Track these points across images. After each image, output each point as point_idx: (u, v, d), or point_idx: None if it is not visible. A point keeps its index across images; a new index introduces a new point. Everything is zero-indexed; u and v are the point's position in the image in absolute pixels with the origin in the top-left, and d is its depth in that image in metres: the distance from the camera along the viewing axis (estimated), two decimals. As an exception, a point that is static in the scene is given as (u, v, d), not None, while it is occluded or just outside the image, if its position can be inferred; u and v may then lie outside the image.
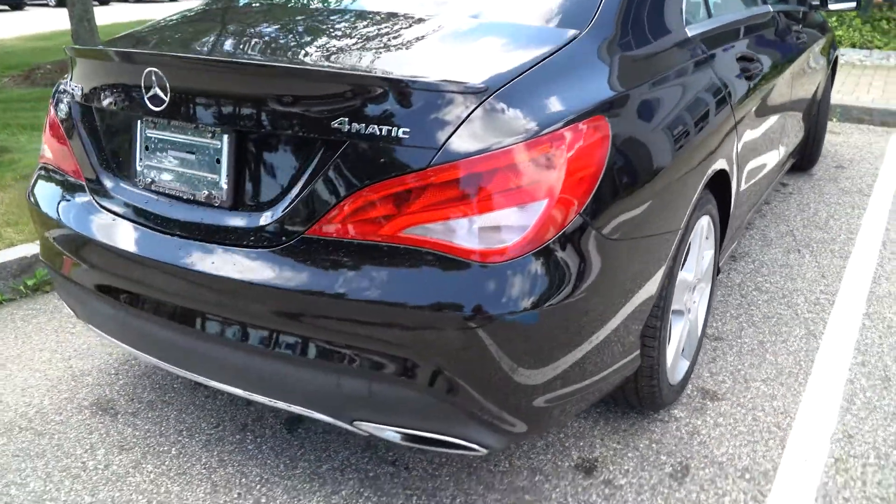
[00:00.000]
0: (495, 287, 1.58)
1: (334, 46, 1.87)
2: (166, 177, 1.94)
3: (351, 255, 1.66)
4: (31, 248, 3.44)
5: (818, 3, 4.26)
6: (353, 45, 1.88)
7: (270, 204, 1.76)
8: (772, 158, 3.39)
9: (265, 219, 1.75)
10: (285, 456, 2.28)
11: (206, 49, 2.02)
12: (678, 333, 2.41)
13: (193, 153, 1.87)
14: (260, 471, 2.22)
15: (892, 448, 2.33)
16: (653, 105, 1.99)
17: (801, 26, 3.93)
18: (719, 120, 2.36)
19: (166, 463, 2.26)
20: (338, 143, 1.66)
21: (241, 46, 1.97)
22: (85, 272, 2.10)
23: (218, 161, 1.83)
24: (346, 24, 2.06)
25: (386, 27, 2.00)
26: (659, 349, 2.19)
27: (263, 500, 2.11)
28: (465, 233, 1.60)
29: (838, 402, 2.56)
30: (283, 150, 1.75)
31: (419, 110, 1.61)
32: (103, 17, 16.25)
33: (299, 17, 2.18)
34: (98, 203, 2.07)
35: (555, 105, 1.70)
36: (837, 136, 6.10)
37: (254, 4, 2.42)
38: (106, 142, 2.10)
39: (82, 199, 2.12)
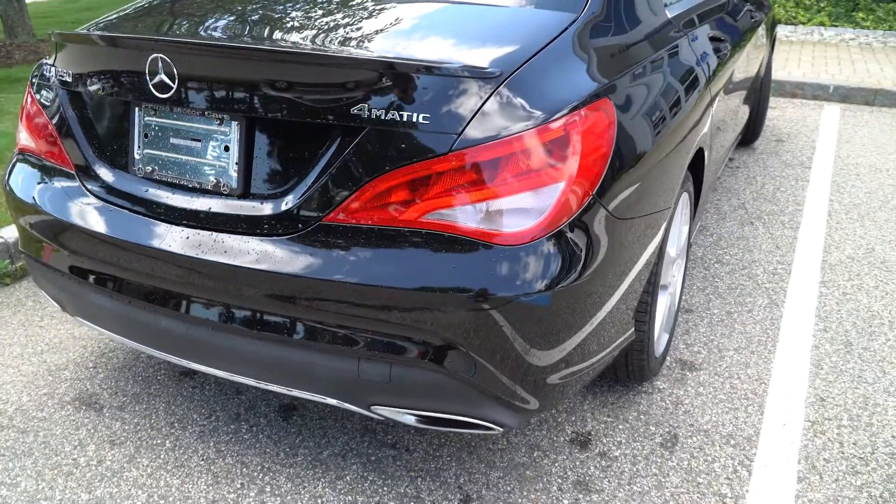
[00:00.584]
0: (517, 268, 1.61)
1: (347, 31, 1.85)
2: (168, 165, 1.89)
3: (371, 241, 1.66)
4: (-14, 240, 3.30)
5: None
6: (366, 29, 1.86)
7: (284, 191, 1.74)
8: (731, 134, 3.51)
9: (280, 206, 1.73)
10: (284, 444, 2.28)
11: (215, 34, 1.96)
12: (662, 307, 2.49)
13: (199, 140, 1.83)
14: (260, 460, 2.21)
15: (861, 409, 2.47)
16: (647, 86, 2.04)
17: (749, 4, 4.05)
18: (701, 98, 2.44)
19: (162, 456, 2.23)
20: (357, 130, 1.65)
21: (251, 31, 1.93)
22: (77, 263, 2.03)
23: (226, 148, 1.79)
24: (356, 8, 2.03)
25: (390, 11, 1.98)
26: (649, 323, 2.26)
27: (268, 489, 2.10)
28: (485, 216, 1.62)
29: (807, 368, 2.70)
30: (298, 136, 1.73)
31: (437, 95, 1.62)
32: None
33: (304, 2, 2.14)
34: (90, 192, 2.00)
35: (565, 88, 1.73)
36: (773, 111, 6.33)
37: None
38: (98, 129, 2.03)
39: (71, 187, 2.05)
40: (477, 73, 1.63)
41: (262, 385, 1.89)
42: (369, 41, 1.80)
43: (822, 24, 9.34)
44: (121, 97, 1.93)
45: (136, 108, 1.93)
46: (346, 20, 1.93)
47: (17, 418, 2.40)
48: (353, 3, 2.07)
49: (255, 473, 2.16)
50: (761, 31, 4.27)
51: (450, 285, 1.61)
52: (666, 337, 2.63)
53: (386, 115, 1.62)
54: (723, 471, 2.19)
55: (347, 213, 1.68)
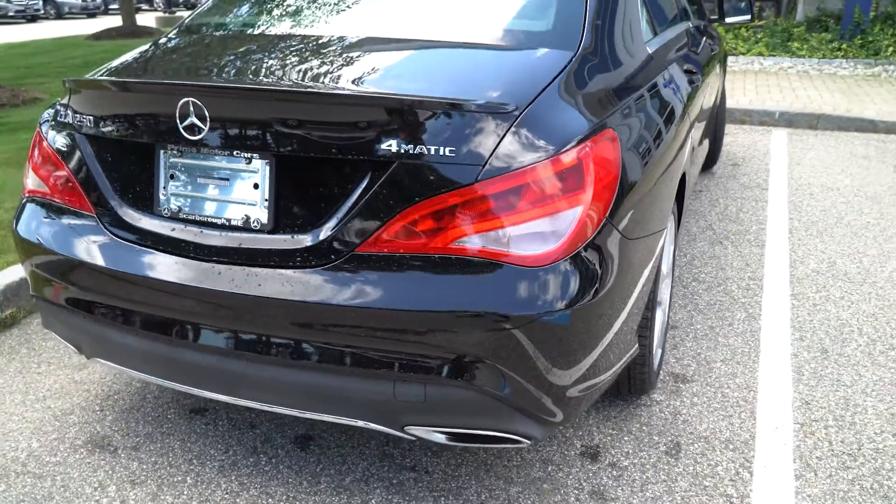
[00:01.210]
0: (544, 288, 1.72)
1: (371, 72, 1.96)
2: (195, 203, 1.96)
3: (402, 268, 1.76)
4: (-25, 289, 3.28)
5: (716, 17, 4.67)
6: (388, 69, 1.97)
7: (315, 225, 1.83)
8: (700, 158, 3.71)
9: (312, 239, 1.82)
10: (306, 473, 2.33)
11: (244, 76, 2.05)
12: (658, 322, 2.63)
13: (227, 179, 1.91)
14: (284, 490, 2.26)
15: (844, 410, 2.64)
16: (641, 116, 2.19)
17: (704, 38, 4.30)
18: (682, 125, 2.61)
19: (185, 493, 2.26)
20: (386, 164, 1.75)
21: (278, 72, 2.02)
22: (100, 303, 2.07)
23: (255, 186, 1.88)
24: (375, 51, 2.13)
25: (406, 53, 2.10)
26: (650, 338, 2.40)
27: (295, 517, 2.15)
28: (510, 241, 1.73)
29: (789, 374, 2.86)
30: (327, 172, 1.83)
31: (461, 130, 1.74)
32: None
33: (318, 43, 2.24)
34: (113, 233, 2.05)
35: (573, 120, 1.87)
36: (727, 137, 6.63)
37: (266, 30, 2.46)
38: (118, 171, 2.08)
39: (91, 229, 2.09)
40: (496, 109, 1.76)
41: (296, 413, 1.95)
42: (393, 80, 1.91)
43: (760, 54, 9.82)
44: (145, 140, 1.99)
45: (161, 150, 2.00)
46: (369, 62, 2.03)
47: (30, 464, 2.40)
48: (372, 46, 2.18)
49: (282, 503, 2.20)
50: (716, 61, 4.53)
51: (480, 307, 1.71)
52: (660, 352, 2.76)
53: (414, 150, 1.73)
54: (726, 473, 2.32)
55: (379, 243, 1.78)
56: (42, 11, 26.42)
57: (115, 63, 2.42)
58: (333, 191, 1.83)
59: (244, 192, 1.90)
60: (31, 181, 2.31)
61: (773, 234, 4.29)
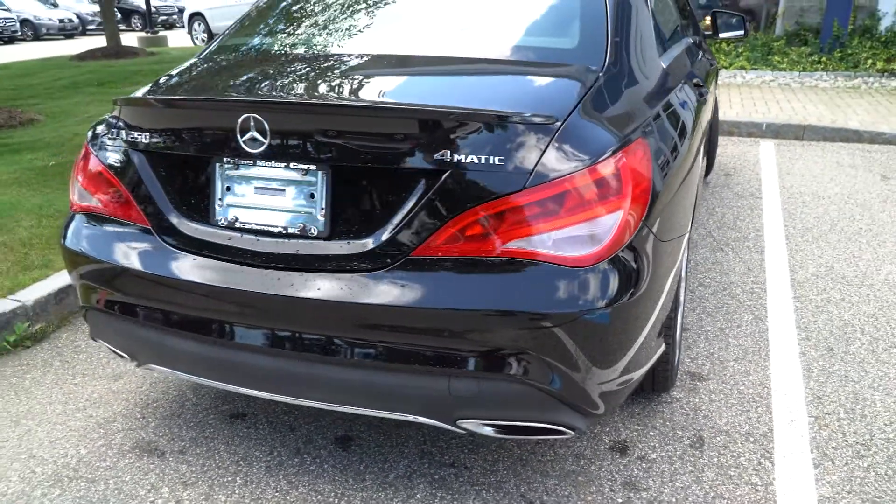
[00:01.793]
0: (592, 287, 1.85)
1: (421, 85, 2.09)
2: (251, 213, 2.07)
3: (455, 270, 1.88)
4: (7, 304, 3.35)
5: (710, 33, 4.86)
6: (433, 85, 2.10)
7: (371, 230, 1.95)
8: (702, 166, 3.88)
9: (368, 245, 1.93)
10: (350, 471, 2.43)
11: (302, 91, 2.17)
12: (678, 322, 2.77)
13: (283, 189, 2.02)
14: (332, 487, 2.36)
15: (854, 404, 2.78)
16: (663, 127, 2.34)
17: (702, 53, 4.48)
18: (696, 135, 2.76)
19: (237, 492, 2.35)
20: (439, 173, 1.88)
21: (336, 87, 2.14)
22: (157, 311, 2.17)
23: (312, 196, 1.99)
24: (422, 67, 2.26)
25: (444, 65, 2.24)
26: (674, 336, 2.53)
27: (345, 512, 2.25)
28: (556, 243, 1.86)
29: (799, 372, 3.00)
30: (382, 181, 1.95)
31: (509, 140, 1.87)
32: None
33: (364, 60, 2.36)
34: (169, 244, 2.15)
35: (609, 130, 2.01)
36: (718, 147, 6.82)
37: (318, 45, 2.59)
38: (173, 184, 2.19)
39: (146, 240, 2.19)
40: (540, 122, 1.89)
41: (352, 410, 2.06)
42: (441, 95, 2.05)
43: (742, 67, 10.08)
44: (202, 154, 2.10)
45: (217, 163, 2.11)
46: (416, 77, 2.17)
47: (81, 469, 2.48)
48: (417, 63, 2.32)
49: (331, 499, 2.30)
50: (713, 76, 4.71)
51: (532, 305, 1.84)
52: (678, 351, 2.90)
53: (466, 159, 1.86)
54: (749, 463, 2.45)
55: (433, 247, 1.90)
56: (20, 33, 26.34)
57: (161, 81, 2.53)
58: (388, 199, 1.95)
59: (301, 201, 2.01)
60: (79, 196, 2.41)
61: (771, 241, 4.46)
